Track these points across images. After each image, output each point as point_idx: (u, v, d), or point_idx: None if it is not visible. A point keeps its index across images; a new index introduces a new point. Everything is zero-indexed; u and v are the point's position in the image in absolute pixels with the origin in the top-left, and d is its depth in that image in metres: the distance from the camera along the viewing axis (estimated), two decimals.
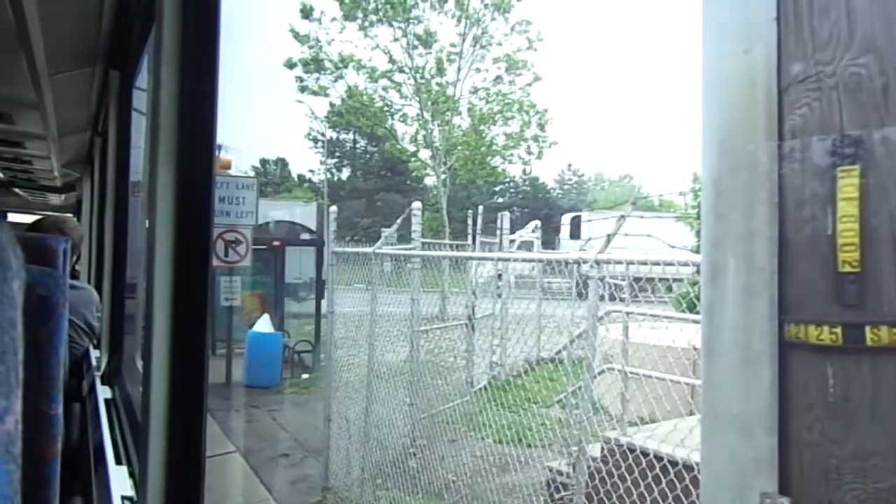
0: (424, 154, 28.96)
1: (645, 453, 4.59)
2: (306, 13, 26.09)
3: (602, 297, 4.94)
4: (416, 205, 8.28)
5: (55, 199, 10.46)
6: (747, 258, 0.72)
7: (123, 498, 1.88)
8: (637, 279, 5.20)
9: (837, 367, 0.68)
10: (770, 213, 0.71)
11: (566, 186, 55.35)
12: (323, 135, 42.61)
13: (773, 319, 0.71)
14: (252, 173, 32.52)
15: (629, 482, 4.57)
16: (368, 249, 7.88)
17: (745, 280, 0.72)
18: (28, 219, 7.33)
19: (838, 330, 0.67)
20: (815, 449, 0.69)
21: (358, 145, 49.59)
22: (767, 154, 0.72)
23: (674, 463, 4.29)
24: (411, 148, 29.35)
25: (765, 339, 0.71)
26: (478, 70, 27.86)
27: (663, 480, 4.30)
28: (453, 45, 27.18)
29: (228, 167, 13.74)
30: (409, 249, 8.01)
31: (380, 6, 26.10)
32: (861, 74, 0.67)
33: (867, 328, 0.66)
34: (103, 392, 3.05)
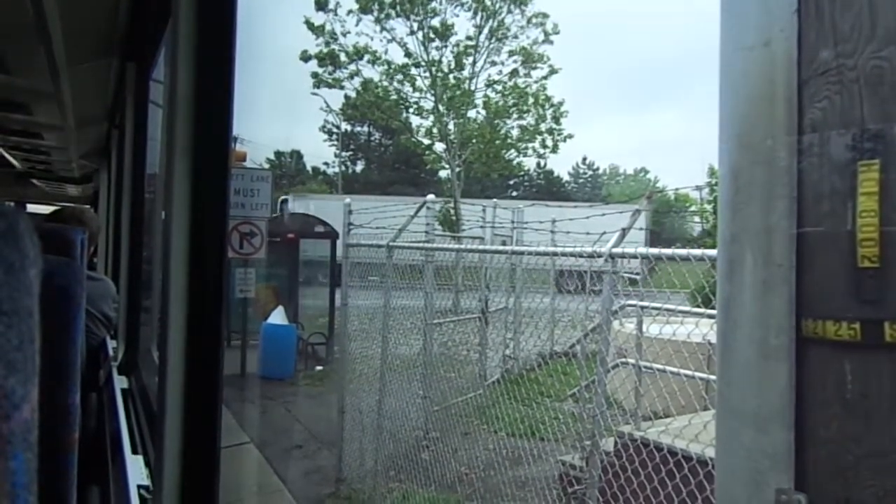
0: (439, 147, 28.93)
1: (659, 448, 4.58)
2: (321, 5, 26.04)
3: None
4: (431, 197, 8.28)
5: (73, 189, 10.56)
6: (765, 253, 0.72)
7: (139, 487, 1.90)
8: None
9: (856, 363, 0.67)
10: (788, 207, 0.71)
11: (581, 180, 55.20)
12: (338, 127, 42.77)
13: (790, 315, 0.71)
14: (267, 165, 32.65)
15: (643, 477, 4.56)
16: (382, 242, 7.89)
17: (762, 275, 0.72)
18: (46, 209, 7.41)
19: (857, 326, 0.67)
20: (831, 446, 0.69)
21: (373, 138, 49.73)
22: (786, 148, 0.71)
23: (688, 458, 4.28)
24: (426, 141, 29.32)
25: (782, 334, 0.71)
26: (493, 63, 27.74)
27: (677, 475, 4.29)
28: (469, 38, 27.07)
29: (244, 159, 13.82)
30: (424, 243, 8.01)
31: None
32: (883, 67, 0.66)
33: (886, 324, 0.65)
34: (120, 382, 3.08)
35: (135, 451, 2.22)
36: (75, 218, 3.71)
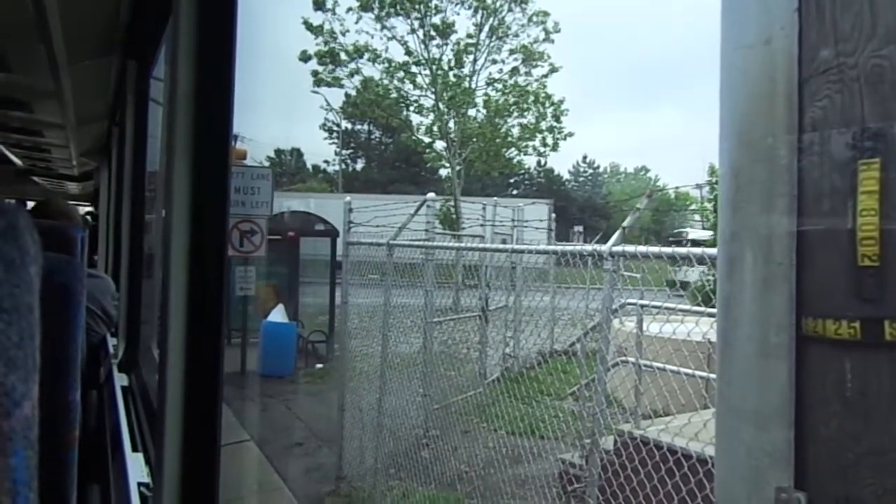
0: (439, 145, 28.90)
1: (658, 446, 4.58)
2: (319, 4, 25.97)
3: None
4: (431, 196, 8.28)
5: (73, 187, 10.57)
6: (765, 251, 0.72)
7: (140, 484, 1.90)
8: None
9: (855, 361, 0.67)
10: (789, 206, 0.71)
11: (581, 178, 55.18)
12: (338, 126, 42.81)
13: (790, 313, 0.71)
14: (267, 164, 32.62)
15: (642, 475, 4.56)
16: (383, 241, 7.89)
17: (762, 273, 0.72)
18: None
19: (857, 324, 0.67)
20: (831, 444, 0.69)
21: (373, 136, 49.77)
22: (787, 147, 0.71)
23: (688, 456, 4.28)
24: (426, 139, 29.29)
25: (782, 332, 0.71)
26: (494, 61, 27.72)
27: (677, 474, 4.29)
28: (470, 36, 27.05)
29: (244, 157, 13.79)
30: (424, 241, 8.01)
31: None
32: (883, 66, 0.66)
33: (886, 323, 0.65)
34: (120, 379, 3.08)
35: (135, 449, 2.22)
36: (61, 212, 3.70)
